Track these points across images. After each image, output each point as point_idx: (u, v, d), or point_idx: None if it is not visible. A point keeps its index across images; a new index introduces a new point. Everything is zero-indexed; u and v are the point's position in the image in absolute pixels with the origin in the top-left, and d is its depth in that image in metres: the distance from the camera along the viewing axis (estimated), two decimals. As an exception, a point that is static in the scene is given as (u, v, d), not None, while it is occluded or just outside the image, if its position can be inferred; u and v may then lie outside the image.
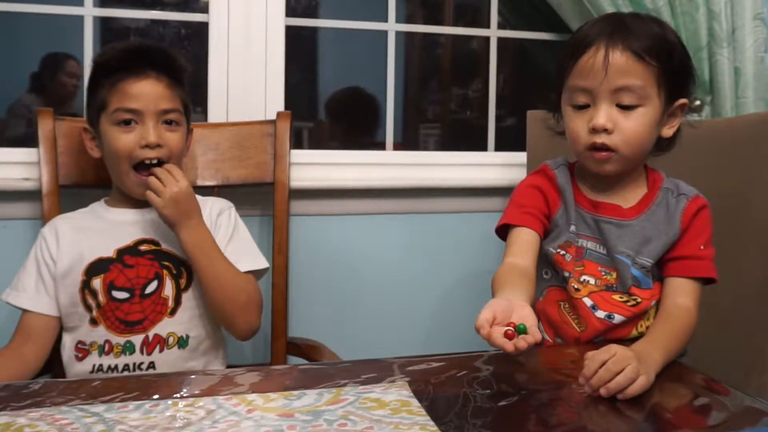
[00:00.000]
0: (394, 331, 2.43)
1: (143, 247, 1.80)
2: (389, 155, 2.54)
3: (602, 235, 1.54)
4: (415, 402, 1.13)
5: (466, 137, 3.15)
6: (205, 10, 2.27)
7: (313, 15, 2.81)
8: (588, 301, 1.53)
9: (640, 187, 1.59)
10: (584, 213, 1.56)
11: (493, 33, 2.69)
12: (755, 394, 1.25)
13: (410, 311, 2.45)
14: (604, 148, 1.48)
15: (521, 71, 3.16)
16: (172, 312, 1.77)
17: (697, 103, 2.02)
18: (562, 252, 1.56)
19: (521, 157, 2.40)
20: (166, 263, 1.80)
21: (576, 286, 1.54)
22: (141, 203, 1.82)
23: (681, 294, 1.50)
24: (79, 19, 2.22)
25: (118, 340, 1.73)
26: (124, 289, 1.76)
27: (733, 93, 2.35)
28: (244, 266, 1.81)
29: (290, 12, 2.34)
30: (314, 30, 2.74)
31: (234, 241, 1.86)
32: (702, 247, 1.53)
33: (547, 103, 1.71)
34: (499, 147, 2.69)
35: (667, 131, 1.55)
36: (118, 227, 1.82)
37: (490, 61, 2.70)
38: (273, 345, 2.10)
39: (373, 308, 2.42)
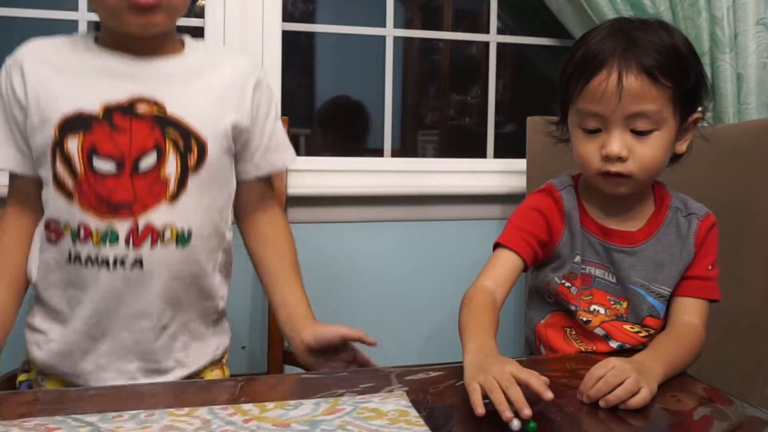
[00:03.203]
0: (392, 339, 2.42)
1: (142, 109, 1.45)
2: (387, 162, 2.54)
3: (613, 265, 1.49)
4: (413, 412, 1.12)
5: (465, 144, 3.15)
6: (200, 14, 2.27)
7: (311, 20, 2.81)
8: (600, 331, 1.50)
9: (648, 205, 1.53)
10: (592, 238, 1.51)
11: (493, 38, 2.68)
12: (757, 403, 1.24)
13: (408, 320, 2.44)
14: (619, 175, 1.41)
15: (521, 77, 3.15)
16: (174, 197, 1.46)
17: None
18: (567, 284, 1.51)
19: (521, 164, 2.39)
20: (172, 131, 1.46)
21: (585, 318, 1.50)
22: (143, 48, 1.48)
23: (689, 313, 1.48)
24: (74, 24, 2.21)
25: (98, 224, 1.43)
26: (110, 159, 1.42)
27: (735, 99, 2.34)
28: (289, 156, 1.69)
29: (287, 17, 2.33)
30: (311, 35, 2.73)
31: (277, 122, 1.66)
32: (710, 267, 1.50)
33: (547, 109, 1.68)
34: (499, 154, 2.69)
35: (681, 147, 1.49)
36: (108, 76, 1.46)
37: (490, 66, 2.69)
38: (269, 354, 2.08)
39: (370, 316, 2.41)
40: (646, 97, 1.37)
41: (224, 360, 1.68)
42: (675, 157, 1.51)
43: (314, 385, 1.29)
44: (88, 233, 1.43)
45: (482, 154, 2.70)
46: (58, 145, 1.42)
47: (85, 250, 1.44)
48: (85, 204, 1.42)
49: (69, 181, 1.42)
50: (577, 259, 1.50)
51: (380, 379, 1.29)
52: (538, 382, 1.11)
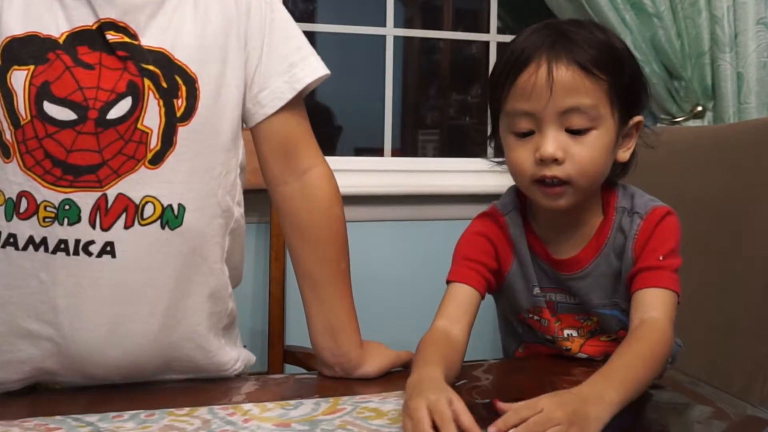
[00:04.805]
0: (392, 339, 2.41)
1: (111, 36, 1.11)
2: (388, 162, 2.54)
3: (570, 290, 1.38)
4: (414, 412, 1.11)
5: (465, 143, 3.15)
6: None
7: (311, 20, 2.80)
8: (582, 356, 1.40)
9: (596, 213, 1.37)
10: (544, 265, 1.38)
11: (493, 38, 2.68)
12: (757, 403, 1.24)
13: (409, 319, 2.43)
14: (556, 181, 1.25)
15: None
16: (157, 158, 1.12)
17: (699, 108, 1.98)
18: (536, 317, 1.41)
19: (521, 163, 2.39)
20: (150, 68, 1.12)
21: (566, 346, 1.40)
22: None
23: (648, 308, 1.26)
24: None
25: (49, 196, 1.08)
26: (69, 104, 1.08)
27: (735, 98, 2.34)
28: (304, 75, 1.27)
29: (288, 17, 2.32)
30: (312, 34, 2.73)
31: (276, 35, 1.27)
32: (661, 258, 1.30)
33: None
34: (499, 153, 2.68)
35: (623, 155, 1.33)
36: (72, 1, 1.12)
37: (490, 66, 2.69)
38: (270, 353, 2.09)
39: (371, 316, 2.39)
40: (580, 90, 1.23)
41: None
42: (621, 169, 1.38)
43: (314, 385, 1.29)
44: (33, 206, 1.08)
45: (483, 154, 2.70)
46: None
47: (26, 230, 1.09)
48: (29, 164, 1.08)
49: (7, 131, 1.08)
50: (536, 291, 1.39)
51: (380, 379, 1.30)
52: (467, 419, 1.00)
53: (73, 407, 1.12)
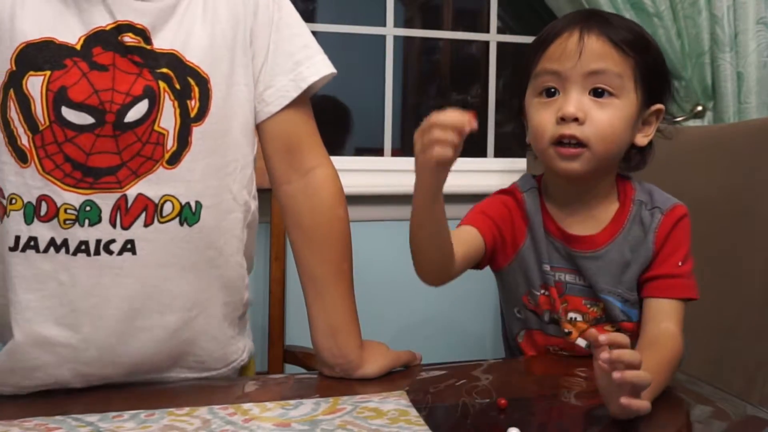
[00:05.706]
0: (392, 339, 2.42)
1: (128, 39, 1.13)
2: (388, 161, 2.54)
3: (579, 270, 1.40)
4: (413, 411, 1.11)
5: (465, 143, 3.15)
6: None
7: (311, 19, 2.80)
8: (582, 342, 1.40)
9: (612, 201, 1.41)
10: (556, 243, 1.41)
11: (493, 37, 2.68)
12: (757, 403, 1.24)
13: (409, 319, 2.43)
14: (573, 141, 1.29)
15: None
16: (174, 159, 1.15)
17: (699, 108, 1.98)
18: (546, 293, 1.42)
19: (521, 163, 2.40)
20: (165, 71, 1.14)
21: (567, 329, 1.41)
22: None
23: (664, 318, 1.32)
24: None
25: (70, 198, 1.10)
26: (87, 108, 1.10)
27: (735, 98, 2.34)
28: (309, 74, 1.29)
29: (288, 16, 2.32)
30: (312, 34, 2.74)
31: (283, 33, 1.29)
32: (680, 264, 1.36)
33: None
34: (499, 153, 2.68)
35: (642, 139, 1.38)
36: (88, 3, 1.12)
37: (490, 65, 2.69)
38: (270, 353, 2.09)
39: (371, 316, 2.39)
40: (607, 58, 1.30)
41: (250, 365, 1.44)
42: (635, 160, 1.42)
43: (314, 385, 1.29)
44: (54, 209, 1.10)
45: (482, 154, 2.70)
46: (13, 82, 1.08)
47: (45, 232, 1.11)
48: (49, 168, 1.09)
49: (23, 136, 1.09)
50: (547, 267, 1.41)
51: (380, 379, 1.29)
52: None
53: (73, 407, 1.13)
